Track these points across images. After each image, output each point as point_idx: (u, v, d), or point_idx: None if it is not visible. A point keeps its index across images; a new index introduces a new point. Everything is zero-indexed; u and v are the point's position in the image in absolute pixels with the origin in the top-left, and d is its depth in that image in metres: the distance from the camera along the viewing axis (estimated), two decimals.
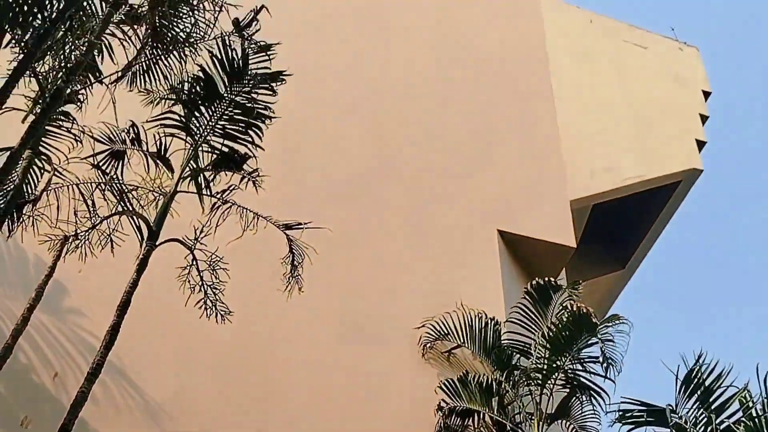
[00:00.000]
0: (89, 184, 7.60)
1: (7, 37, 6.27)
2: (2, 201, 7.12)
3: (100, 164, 7.80)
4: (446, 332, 10.98)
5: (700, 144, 17.70)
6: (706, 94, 18.92)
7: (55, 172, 7.27)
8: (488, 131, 14.17)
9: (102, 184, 7.67)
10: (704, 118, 18.35)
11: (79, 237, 7.54)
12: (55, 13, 6.02)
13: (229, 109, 8.22)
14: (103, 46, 7.14)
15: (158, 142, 7.98)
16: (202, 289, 8.02)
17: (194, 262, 7.99)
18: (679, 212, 18.78)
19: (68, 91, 6.60)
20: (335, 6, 14.69)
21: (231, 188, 8.32)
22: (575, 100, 16.95)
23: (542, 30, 15.87)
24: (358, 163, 12.71)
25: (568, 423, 10.38)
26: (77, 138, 7.16)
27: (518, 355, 10.67)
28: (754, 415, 7.78)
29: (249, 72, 8.20)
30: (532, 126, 14.69)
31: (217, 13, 7.85)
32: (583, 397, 10.40)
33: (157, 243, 7.42)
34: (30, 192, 7.49)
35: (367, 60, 14.23)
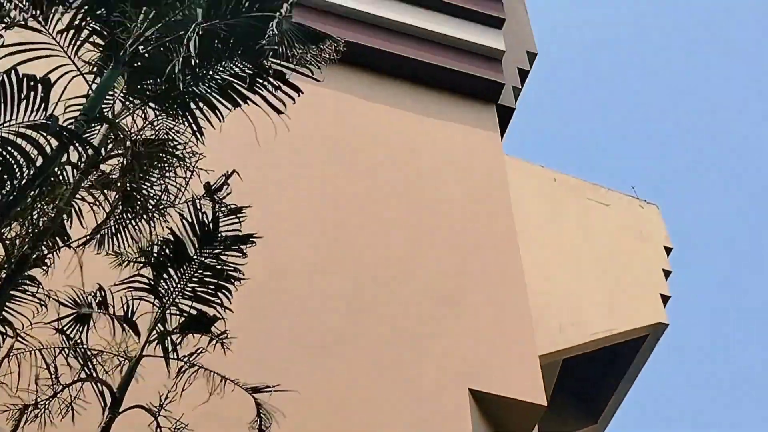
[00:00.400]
0: (53, 350, 7.43)
1: None
2: None
3: (65, 329, 7.66)
4: None
5: (665, 298, 18.04)
6: (668, 250, 19.43)
7: (18, 338, 7.10)
8: (456, 290, 14.23)
9: (66, 349, 7.52)
10: (667, 273, 18.78)
11: (39, 406, 7.30)
12: (25, 180, 6.06)
13: (199, 271, 8.23)
14: (73, 211, 7.14)
15: (125, 306, 7.90)
16: None
17: (158, 430, 7.74)
18: (647, 365, 18.86)
19: (35, 256, 6.54)
20: (304, 166, 14.97)
21: (199, 351, 8.19)
22: (542, 256, 17.23)
23: (507, 189, 16.24)
24: (327, 323, 12.64)
25: None
26: (42, 302, 7.04)
27: None
28: None
29: (219, 235, 8.27)
30: (499, 282, 14.78)
31: (188, 177, 7.96)
32: None
33: (120, 410, 7.22)
34: None
35: (334, 220, 14.40)
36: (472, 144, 16.93)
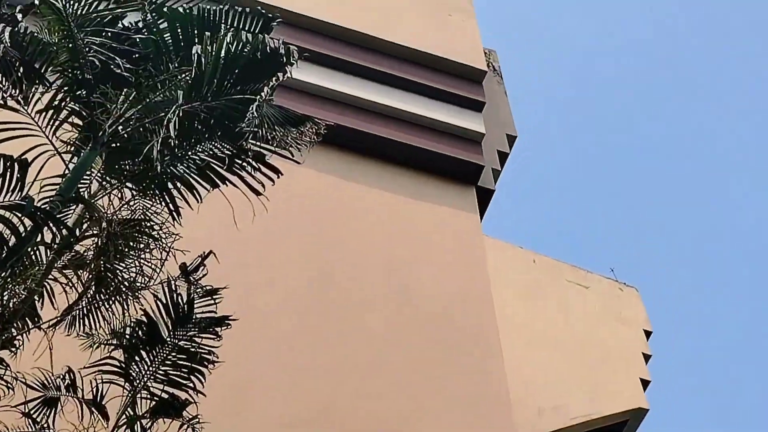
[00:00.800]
0: None
1: None
2: None
3: (32, 412, 7.48)
4: None
5: (645, 383, 17.93)
6: (648, 333, 19.40)
7: None
8: (433, 372, 14.06)
9: None
10: (647, 357, 18.72)
11: None
12: None
13: (172, 353, 8.09)
14: (44, 291, 7.04)
15: (95, 389, 7.74)
16: None
17: None
18: None
19: (3, 337, 6.42)
20: (282, 246, 14.92)
21: None
22: (522, 338, 17.14)
23: (486, 270, 16.21)
24: (303, 408, 12.43)
25: None
26: (10, 385, 6.88)
27: None
28: None
29: (194, 316, 8.17)
30: (477, 365, 14.62)
31: (164, 258, 7.90)
32: None
33: None
34: None
35: (311, 301, 14.28)
36: (451, 225, 16.95)
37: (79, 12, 7.26)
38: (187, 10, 7.67)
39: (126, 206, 7.91)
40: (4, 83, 6.08)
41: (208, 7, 7.77)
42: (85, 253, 7.35)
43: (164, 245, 7.96)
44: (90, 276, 7.42)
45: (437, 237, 16.69)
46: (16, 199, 6.34)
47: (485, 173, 18.11)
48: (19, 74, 6.29)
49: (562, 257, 21.95)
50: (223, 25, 7.65)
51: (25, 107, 7.19)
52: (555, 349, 17.75)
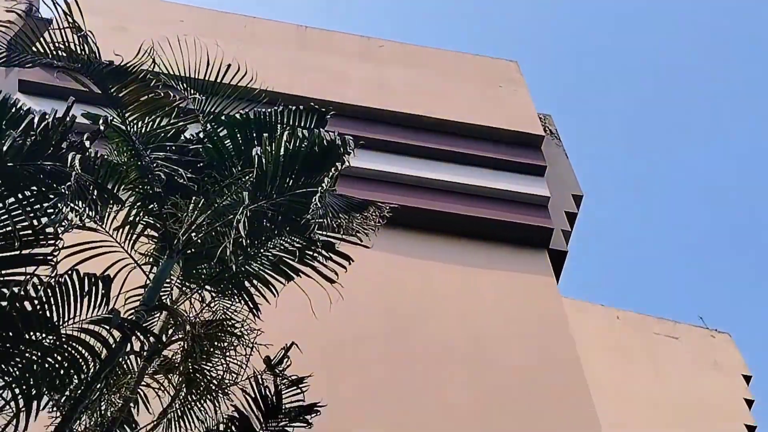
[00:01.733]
0: None
1: (45, 399, 6.51)
2: None
3: None
4: None
5: (751, 429, 17.32)
6: (747, 378, 18.80)
7: None
8: None
9: None
10: (750, 402, 18.09)
11: None
12: (91, 374, 6.29)
13: None
14: (138, 398, 7.32)
15: None
16: None
17: None
18: None
19: None
20: (361, 330, 15.05)
21: None
22: (615, 398, 16.79)
23: (569, 332, 16.02)
24: None
25: None
26: None
27: None
28: None
29: (283, 407, 8.33)
30: (573, 428, 14.36)
31: (249, 354, 8.13)
32: None
33: None
34: None
35: (396, 382, 14.29)
36: (527, 290, 16.89)
37: (143, 130, 7.71)
38: (244, 115, 8.04)
39: (207, 308, 8.22)
40: (81, 204, 6.46)
41: (264, 110, 8.15)
42: (173, 357, 7.63)
43: (247, 342, 8.22)
44: (180, 379, 7.68)
45: (515, 303, 16.63)
46: (104, 313, 6.67)
47: (555, 236, 18.08)
48: (94, 196, 6.67)
49: (647, 311, 21.61)
50: (279, 125, 7.97)
51: (103, 226, 7.60)
52: (650, 406, 17.31)
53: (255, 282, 8.32)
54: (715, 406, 17.77)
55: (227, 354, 8.03)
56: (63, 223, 6.05)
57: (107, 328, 6.63)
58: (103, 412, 6.73)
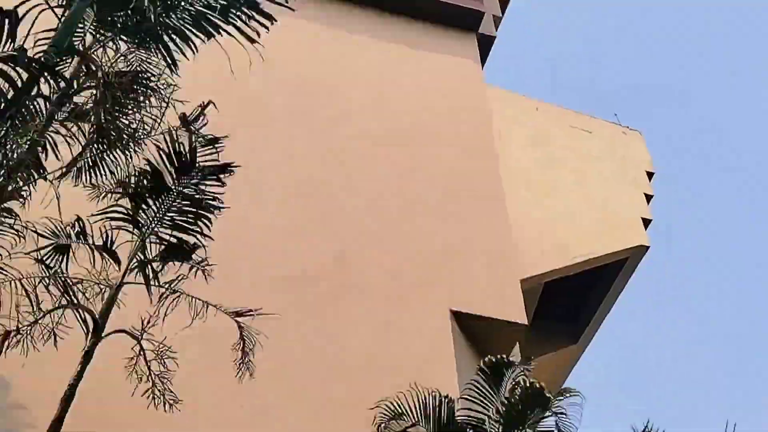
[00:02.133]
0: (32, 279, 7.59)
1: None
2: None
3: (44, 259, 7.82)
4: (401, 412, 10.92)
5: (646, 222, 18.28)
6: (650, 174, 19.62)
7: None
8: (438, 215, 14.40)
9: (45, 278, 7.68)
10: (649, 197, 18.99)
11: (21, 332, 7.50)
12: None
13: (177, 200, 8.34)
14: (47, 143, 7.21)
15: (104, 235, 8.04)
16: (150, 379, 8.01)
17: (141, 353, 7.98)
18: (629, 287, 19.25)
19: (10, 188, 6.66)
20: (280, 96, 14.98)
21: (179, 278, 8.38)
22: (525, 182, 17.40)
23: (489, 117, 16.29)
24: (308, 251, 12.83)
25: None
26: (20, 234, 7.16)
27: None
28: None
29: (197, 165, 8.35)
30: (482, 208, 14.94)
31: (163, 108, 8.03)
32: None
33: (102, 335, 7.44)
34: None
35: (313, 148, 14.48)
36: (452, 73, 16.93)
37: None
38: None
39: (122, 58, 7.99)
40: None
41: None
42: (85, 106, 7.46)
43: (163, 96, 8.09)
44: (91, 128, 7.56)
45: (438, 85, 16.70)
46: (9, 51, 6.38)
47: (486, 20, 17.91)
48: None
49: (566, 104, 21.95)
50: None
51: None
52: (559, 193, 18.03)
53: (174, 36, 8.02)
54: (617, 198, 18.61)
55: (142, 107, 7.90)
56: None
57: (14, 66, 6.39)
58: (9, 153, 6.62)
